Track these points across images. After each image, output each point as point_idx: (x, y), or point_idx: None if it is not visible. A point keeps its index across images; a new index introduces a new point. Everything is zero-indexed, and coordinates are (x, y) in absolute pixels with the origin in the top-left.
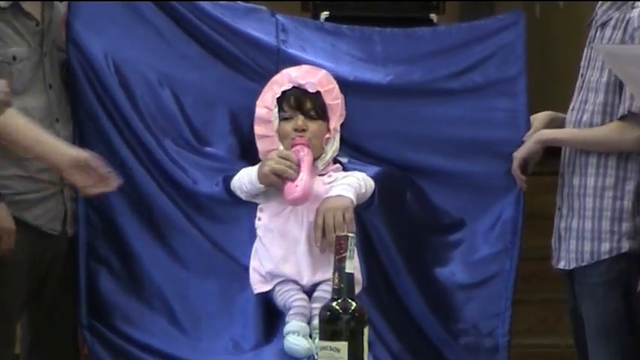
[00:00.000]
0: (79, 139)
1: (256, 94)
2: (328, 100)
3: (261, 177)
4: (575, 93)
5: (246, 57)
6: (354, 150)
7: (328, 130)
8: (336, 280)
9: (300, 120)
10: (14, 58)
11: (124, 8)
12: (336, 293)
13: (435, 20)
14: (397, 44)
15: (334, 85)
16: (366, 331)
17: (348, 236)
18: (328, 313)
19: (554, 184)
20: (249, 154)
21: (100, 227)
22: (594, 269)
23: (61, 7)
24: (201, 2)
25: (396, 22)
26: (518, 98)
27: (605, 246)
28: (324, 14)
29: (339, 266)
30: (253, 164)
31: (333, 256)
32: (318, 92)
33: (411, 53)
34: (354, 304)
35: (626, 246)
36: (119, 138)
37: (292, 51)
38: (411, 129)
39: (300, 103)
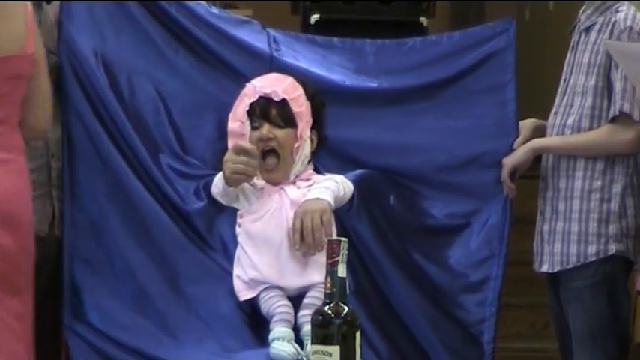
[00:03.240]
0: (68, 140)
1: None
2: (295, 107)
3: (228, 181)
4: (558, 97)
5: (238, 63)
6: (343, 159)
7: (297, 138)
8: (328, 285)
9: (265, 129)
10: None
11: (116, 10)
12: (328, 297)
13: (425, 23)
14: (389, 55)
15: (300, 92)
16: (358, 335)
17: (340, 240)
18: (320, 317)
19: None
20: None
21: (86, 228)
22: (580, 272)
23: (51, 10)
24: (195, 7)
25: (386, 25)
26: (507, 106)
27: (592, 248)
28: (314, 17)
29: (331, 270)
30: None
31: (315, 259)
32: (284, 100)
33: (403, 64)
34: (346, 308)
35: (612, 248)
36: (107, 140)
37: (285, 59)
38: (400, 138)
39: (266, 111)
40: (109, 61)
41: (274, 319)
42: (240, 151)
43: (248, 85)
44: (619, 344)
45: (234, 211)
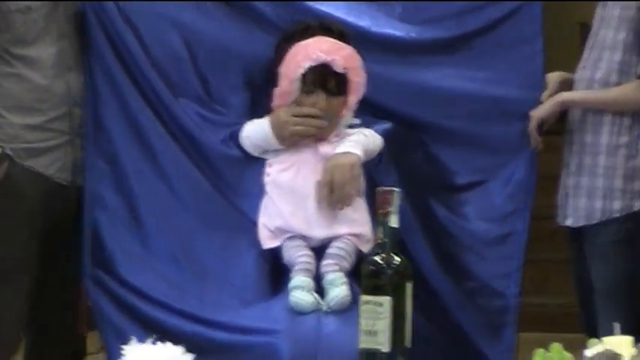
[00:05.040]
0: (91, 87)
1: (271, 47)
2: (353, 77)
3: (281, 139)
4: (586, 52)
5: (266, 10)
6: (370, 107)
7: (346, 106)
8: (380, 235)
9: (322, 100)
10: (29, 7)
11: None
12: (380, 247)
13: None
14: (417, 7)
15: (360, 63)
16: (409, 286)
17: (393, 191)
18: (371, 267)
19: (552, 144)
20: (262, 108)
21: (108, 176)
22: (605, 228)
23: None
24: None
25: None
26: (534, 59)
27: (617, 204)
28: None
29: (383, 220)
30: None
31: (342, 212)
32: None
33: (431, 15)
34: (397, 258)
35: (637, 205)
36: (131, 86)
37: (310, 3)
38: (429, 87)
39: (325, 80)
40: (133, 6)
41: (295, 268)
42: (302, 114)
43: (309, 44)
44: None
45: (263, 160)
